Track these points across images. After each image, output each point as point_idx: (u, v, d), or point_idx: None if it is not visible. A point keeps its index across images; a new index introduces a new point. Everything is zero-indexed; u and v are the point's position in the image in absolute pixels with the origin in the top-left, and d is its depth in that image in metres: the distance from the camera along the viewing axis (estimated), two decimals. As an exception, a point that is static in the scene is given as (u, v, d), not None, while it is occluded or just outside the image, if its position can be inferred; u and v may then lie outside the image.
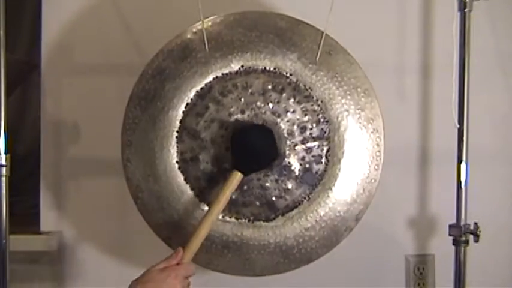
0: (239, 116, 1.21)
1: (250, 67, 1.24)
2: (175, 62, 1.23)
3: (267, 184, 1.21)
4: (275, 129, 1.21)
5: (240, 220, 1.24)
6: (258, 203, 1.22)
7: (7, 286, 1.27)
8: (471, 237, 1.36)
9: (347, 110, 1.23)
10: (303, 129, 1.22)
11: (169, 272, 1.03)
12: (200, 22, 1.22)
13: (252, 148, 1.18)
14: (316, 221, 1.23)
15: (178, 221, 1.24)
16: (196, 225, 1.14)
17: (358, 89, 1.24)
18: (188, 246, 1.09)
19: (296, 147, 1.22)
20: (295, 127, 1.22)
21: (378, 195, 1.25)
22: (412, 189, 1.61)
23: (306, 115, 1.22)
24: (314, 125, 1.23)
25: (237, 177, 1.15)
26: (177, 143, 1.23)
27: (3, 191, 1.26)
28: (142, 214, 1.24)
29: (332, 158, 1.23)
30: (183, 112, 1.23)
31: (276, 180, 1.21)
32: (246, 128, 1.20)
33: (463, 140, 1.36)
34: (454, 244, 1.37)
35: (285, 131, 1.22)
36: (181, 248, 1.08)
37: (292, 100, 1.22)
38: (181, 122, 1.23)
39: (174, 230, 1.24)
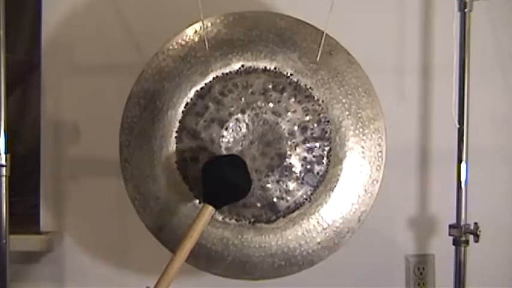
0: (239, 115, 1.21)
1: (250, 67, 1.24)
2: (175, 61, 1.23)
3: (268, 185, 1.21)
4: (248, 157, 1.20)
5: (240, 222, 1.23)
6: (259, 205, 1.22)
7: (7, 286, 1.27)
8: (471, 237, 1.36)
9: (348, 110, 1.23)
10: (304, 129, 1.22)
11: None
12: (200, 22, 1.22)
13: (223, 180, 1.14)
14: (318, 222, 1.23)
15: (177, 222, 1.23)
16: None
17: (359, 89, 1.24)
18: (158, 286, 1.07)
19: (297, 148, 1.22)
20: (296, 127, 1.22)
21: (378, 195, 1.25)
22: (412, 189, 1.61)
23: (307, 115, 1.22)
24: (315, 125, 1.22)
25: (209, 210, 1.12)
26: (176, 143, 1.23)
27: (3, 191, 1.25)
28: (140, 215, 1.24)
29: (333, 158, 1.23)
30: (183, 112, 1.23)
31: (277, 181, 1.21)
32: (217, 160, 1.18)
33: (463, 140, 1.36)
34: (454, 244, 1.37)
35: (285, 131, 1.21)
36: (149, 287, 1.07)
37: (293, 100, 1.22)
38: (180, 121, 1.23)
39: (172, 231, 1.24)
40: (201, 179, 1.16)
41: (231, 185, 1.15)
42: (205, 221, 1.12)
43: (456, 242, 1.36)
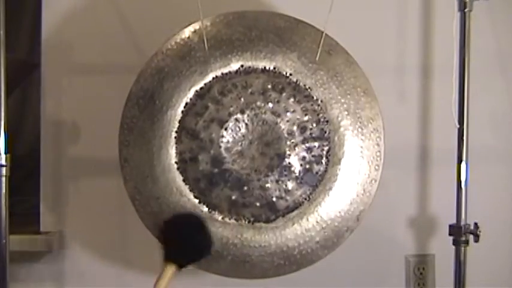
0: (239, 116, 1.21)
1: (250, 67, 1.23)
2: (174, 61, 1.23)
3: (268, 185, 1.21)
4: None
5: (240, 221, 1.23)
6: (258, 204, 1.22)
7: (7, 286, 1.27)
8: (471, 237, 1.36)
9: (347, 110, 1.23)
10: (303, 129, 1.22)
11: None
12: (200, 21, 1.22)
13: (184, 243, 1.15)
14: (317, 221, 1.23)
15: (178, 221, 1.23)
16: None
17: (358, 89, 1.24)
18: None
19: (296, 147, 1.22)
20: (295, 127, 1.22)
21: (378, 195, 1.25)
22: (412, 189, 1.61)
23: (306, 115, 1.22)
24: (314, 124, 1.22)
25: (172, 270, 1.13)
26: (175, 143, 1.23)
27: (3, 191, 1.25)
28: (140, 215, 1.24)
29: (332, 158, 1.23)
30: (182, 112, 1.23)
31: (277, 181, 1.21)
32: (176, 220, 1.18)
33: (463, 140, 1.36)
34: (454, 244, 1.37)
35: (285, 131, 1.21)
36: None
37: (292, 100, 1.22)
38: (180, 121, 1.23)
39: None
40: (162, 239, 1.16)
41: (192, 247, 1.16)
42: (168, 280, 1.12)
43: (456, 242, 1.36)
